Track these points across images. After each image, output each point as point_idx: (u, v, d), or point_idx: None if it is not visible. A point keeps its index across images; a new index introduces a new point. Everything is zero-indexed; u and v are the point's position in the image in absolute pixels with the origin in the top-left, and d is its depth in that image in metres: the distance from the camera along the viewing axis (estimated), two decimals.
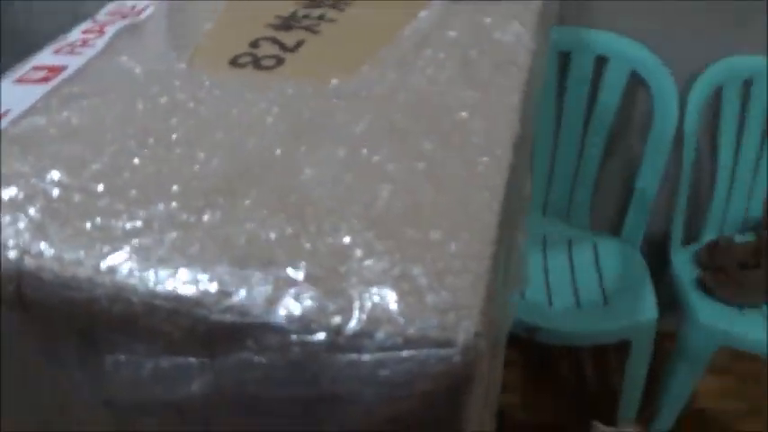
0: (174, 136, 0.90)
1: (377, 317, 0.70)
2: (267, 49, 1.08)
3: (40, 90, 0.99)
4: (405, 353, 0.69)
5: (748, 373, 2.51)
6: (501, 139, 0.92)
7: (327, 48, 1.07)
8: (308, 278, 0.73)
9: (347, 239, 0.77)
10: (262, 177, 0.84)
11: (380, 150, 0.88)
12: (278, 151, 0.87)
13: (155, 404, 0.79)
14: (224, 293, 0.72)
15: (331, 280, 0.73)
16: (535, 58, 1.10)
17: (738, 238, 2.24)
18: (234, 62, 1.04)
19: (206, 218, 0.79)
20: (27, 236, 0.79)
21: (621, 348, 2.07)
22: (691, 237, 2.30)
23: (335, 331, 0.70)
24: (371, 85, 0.99)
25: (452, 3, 1.22)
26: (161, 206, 0.81)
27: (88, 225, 0.79)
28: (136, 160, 0.87)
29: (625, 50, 2.15)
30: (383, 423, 0.72)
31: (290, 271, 0.74)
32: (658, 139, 2.15)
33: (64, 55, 1.08)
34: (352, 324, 0.70)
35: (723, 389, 2.45)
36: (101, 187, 0.83)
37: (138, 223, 0.79)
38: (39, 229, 0.79)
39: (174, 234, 0.78)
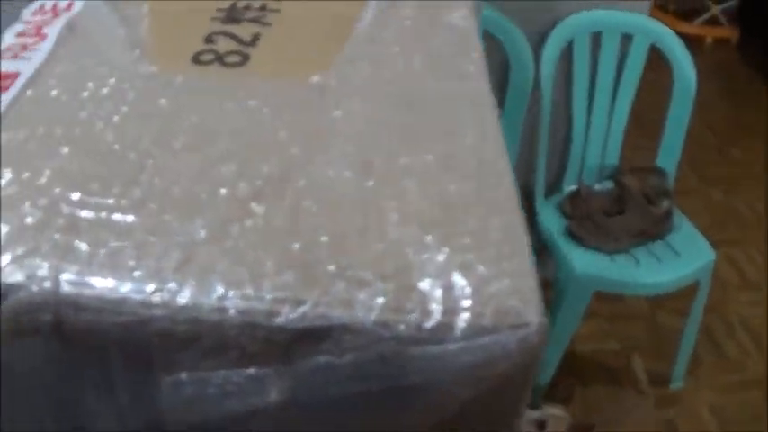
0: (176, 145, 0.93)
1: (453, 308, 0.78)
2: (225, 44, 1.10)
3: None
4: (486, 338, 0.77)
5: (614, 314, 2.74)
6: (490, 124, 1.01)
7: (287, 42, 1.12)
8: (376, 277, 0.79)
9: (396, 235, 0.83)
10: (289, 181, 0.88)
11: (389, 146, 0.94)
12: (293, 153, 0.92)
13: (218, 421, 0.82)
14: (298, 301, 0.77)
15: (399, 277, 0.79)
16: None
17: (598, 187, 2.43)
18: (197, 60, 1.07)
19: (249, 226, 0.83)
20: (56, 261, 0.79)
21: None
22: (552, 188, 2.48)
23: (416, 326, 0.76)
24: (351, 81, 1.05)
25: None
26: (198, 221, 0.83)
27: (126, 244, 0.81)
28: (145, 175, 0.89)
29: None
30: (462, 405, 0.80)
31: (357, 272, 0.79)
32: (516, 96, 2.31)
33: (8, 60, 1.06)
34: (432, 317, 0.77)
35: (593, 331, 2.66)
36: (123, 203, 0.85)
37: (179, 238, 0.82)
38: (70, 254, 0.80)
39: (223, 246, 0.81)
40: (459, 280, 0.78)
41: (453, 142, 0.95)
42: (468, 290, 0.78)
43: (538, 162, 2.33)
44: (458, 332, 0.76)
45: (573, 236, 2.25)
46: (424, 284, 0.78)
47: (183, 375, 0.79)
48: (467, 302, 0.77)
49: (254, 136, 0.93)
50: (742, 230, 3.27)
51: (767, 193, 3.47)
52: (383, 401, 0.79)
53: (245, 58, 1.07)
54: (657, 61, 2.44)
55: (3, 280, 0.78)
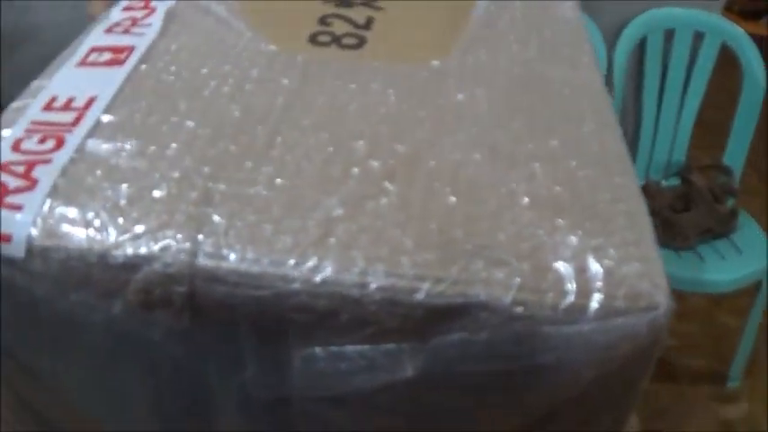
0: (304, 122, 0.94)
1: (587, 289, 0.79)
2: (340, 26, 1.12)
3: (116, 73, 1.00)
4: (618, 320, 0.78)
5: (676, 311, 2.72)
6: (607, 112, 1.02)
7: (401, 26, 1.13)
8: (513, 257, 0.80)
9: (528, 217, 0.84)
10: (419, 162, 0.89)
11: (514, 130, 0.95)
12: (421, 135, 0.93)
13: (346, 395, 0.83)
14: (438, 278, 0.78)
15: (534, 258, 0.80)
16: None
17: (665, 183, 2.43)
18: (314, 40, 1.08)
19: (384, 204, 0.84)
20: (192, 233, 0.80)
21: None
22: None
23: (552, 306, 0.77)
24: (470, 66, 1.06)
25: None
26: (333, 197, 0.84)
27: (263, 218, 0.82)
28: (275, 151, 0.90)
29: None
30: (588, 384, 0.81)
31: (494, 252, 0.80)
32: None
33: (120, 35, 1.08)
34: (567, 298, 0.78)
35: None
36: (257, 178, 0.86)
37: (316, 214, 0.83)
38: (206, 226, 0.80)
39: (360, 223, 0.82)
40: (592, 262, 0.79)
41: (574, 129, 0.96)
42: (600, 272, 0.79)
43: None
44: (591, 313, 0.77)
45: None
46: (559, 266, 0.79)
47: (318, 350, 0.80)
48: (600, 284, 0.78)
49: (380, 117, 0.94)
50: None
51: None
52: (512, 380, 0.80)
53: (362, 41, 1.08)
54: (723, 62, 2.44)
55: (136, 252, 0.78)
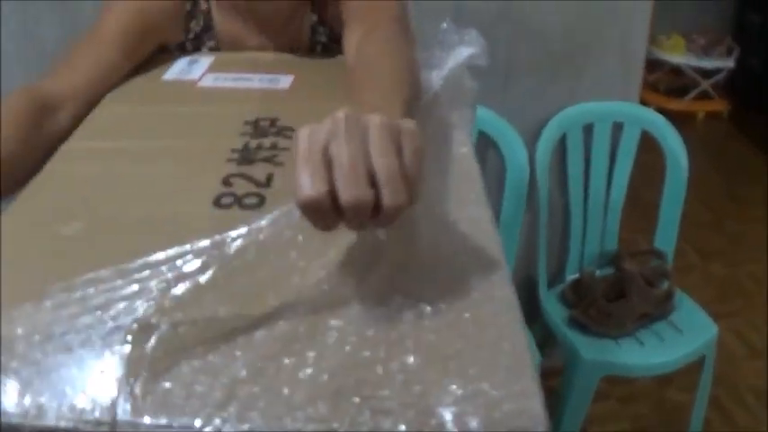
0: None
1: (470, 430, 0.90)
2: (242, 186, 1.24)
3: None
4: None
5: (625, 395, 2.85)
6: (493, 251, 1.15)
7: None
8: (399, 405, 0.92)
9: (415, 365, 0.96)
10: (321, 317, 1.01)
11: (407, 273, 1.08)
12: (324, 290, 1.05)
13: None
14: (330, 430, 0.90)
15: (420, 404, 0.92)
16: None
17: (599, 273, 2.57)
18: (217, 203, 1.20)
19: (286, 363, 0.96)
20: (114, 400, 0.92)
21: None
22: (555, 278, 2.61)
23: None
24: None
25: None
26: (239, 361, 0.96)
27: (175, 385, 0.94)
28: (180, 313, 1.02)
29: None
30: None
31: (381, 402, 0.92)
32: (512, 190, 2.45)
33: None
34: None
35: (605, 413, 2.77)
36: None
37: (223, 378, 0.95)
38: (124, 394, 0.92)
39: (261, 383, 0.94)
40: (474, 405, 0.91)
41: (460, 268, 1.08)
42: (481, 412, 0.91)
43: (539, 253, 2.47)
44: None
45: (577, 323, 2.38)
46: (442, 410, 0.90)
47: None
48: (481, 424, 0.89)
49: (281, 274, 1.06)
50: (745, 300, 3.40)
51: None
52: None
53: (262, 200, 1.20)
54: (649, 143, 2.60)
55: (59, 425, 0.90)
